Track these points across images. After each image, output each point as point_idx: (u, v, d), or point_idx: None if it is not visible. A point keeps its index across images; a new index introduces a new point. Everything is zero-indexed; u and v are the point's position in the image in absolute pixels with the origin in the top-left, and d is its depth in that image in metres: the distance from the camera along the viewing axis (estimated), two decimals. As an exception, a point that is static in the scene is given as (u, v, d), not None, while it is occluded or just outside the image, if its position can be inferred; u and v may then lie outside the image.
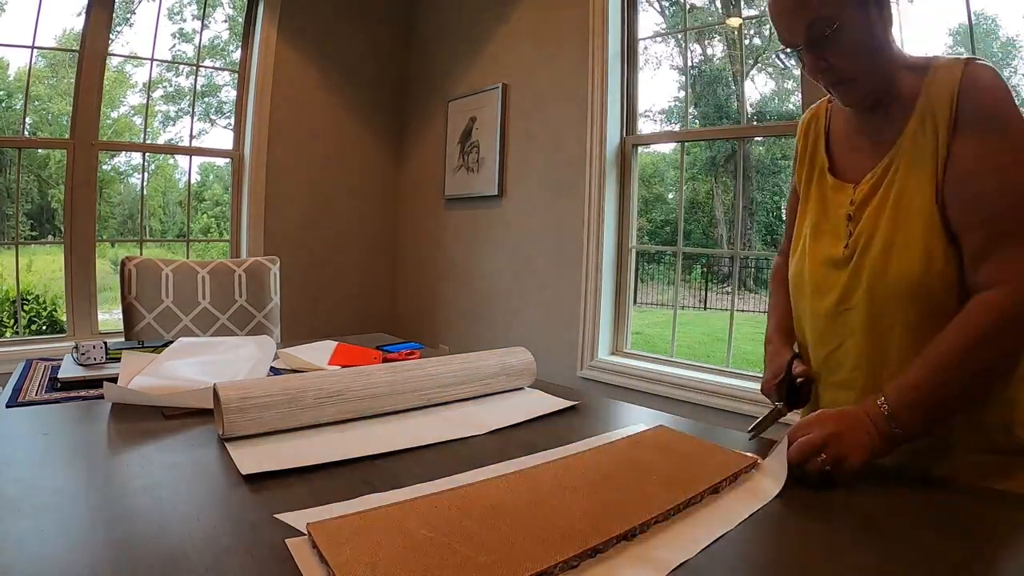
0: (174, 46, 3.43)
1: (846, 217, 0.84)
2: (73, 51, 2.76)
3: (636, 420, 0.89)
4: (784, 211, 1.05)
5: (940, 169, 0.75)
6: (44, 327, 3.23)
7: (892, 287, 0.77)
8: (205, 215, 4.34)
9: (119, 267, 1.71)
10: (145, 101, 3.10)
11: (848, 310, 0.82)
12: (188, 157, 3.27)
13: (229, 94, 3.35)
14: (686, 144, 2.67)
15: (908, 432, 0.68)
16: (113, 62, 3.01)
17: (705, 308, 8.74)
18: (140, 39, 3.06)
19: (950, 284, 0.74)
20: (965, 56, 0.76)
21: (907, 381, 0.70)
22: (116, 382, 0.91)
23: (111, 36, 2.81)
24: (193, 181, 3.54)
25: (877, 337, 0.79)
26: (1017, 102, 0.74)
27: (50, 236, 3.55)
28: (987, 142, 0.72)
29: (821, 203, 0.90)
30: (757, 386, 2.08)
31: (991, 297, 0.70)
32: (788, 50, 0.82)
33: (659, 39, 2.93)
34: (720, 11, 2.71)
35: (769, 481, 0.65)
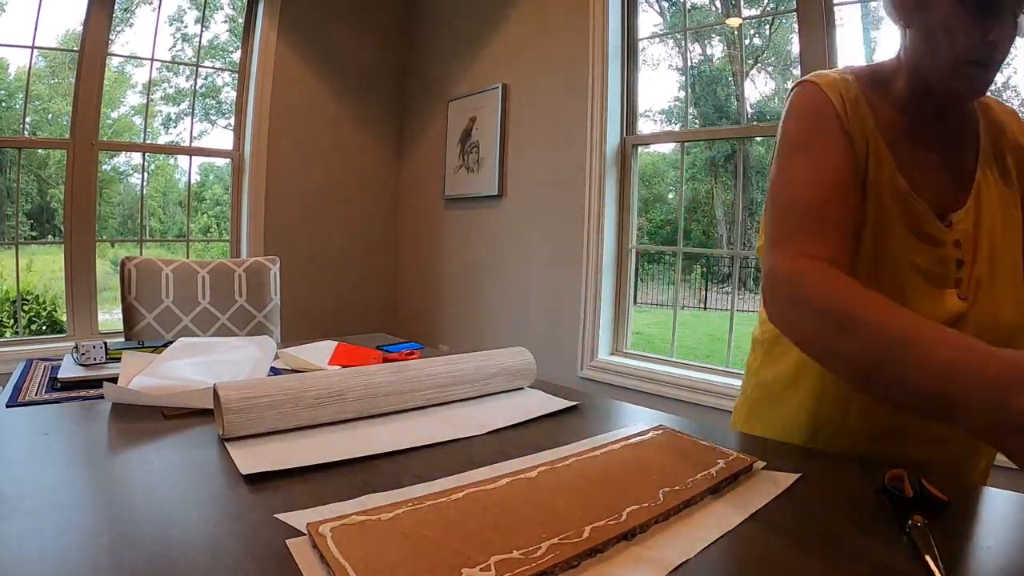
0: (174, 46, 3.43)
1: (955, 261, 0.70)
2: (73, 51, 2.76)
3: (636, 420, 0.89)
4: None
5: None
6: (44, 327, 3.23)
7: (1001, 339, 0.65)
8: (205, 215, 4.34)
9: (119, 267, 1.71)
10: (145, 101, 3.10)
11: None
12: (188, 157, 3.28)
13: (229, 94, 3.35)
14: (686, 144, 2.67)
15: None
16: (113, 62, 3.01)
17: (705, 308, 8.75)
18: (140, 39, 3.06)
19: None
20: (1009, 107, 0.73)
21: None
22: (116, 382, 0.91)
23: (111, 36, 2.81)
24: (193, 181, 3.54)
25: None
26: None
27: (50, 236, 3.55)
28: None
29: (908, 230, 0.69)
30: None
31: None
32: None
33: (658, 39, 2.92)
34: (719, 11, 2.71)
35: (770, 481, 0.65)
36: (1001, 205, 0.71)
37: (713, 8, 2.76)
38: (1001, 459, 1.70)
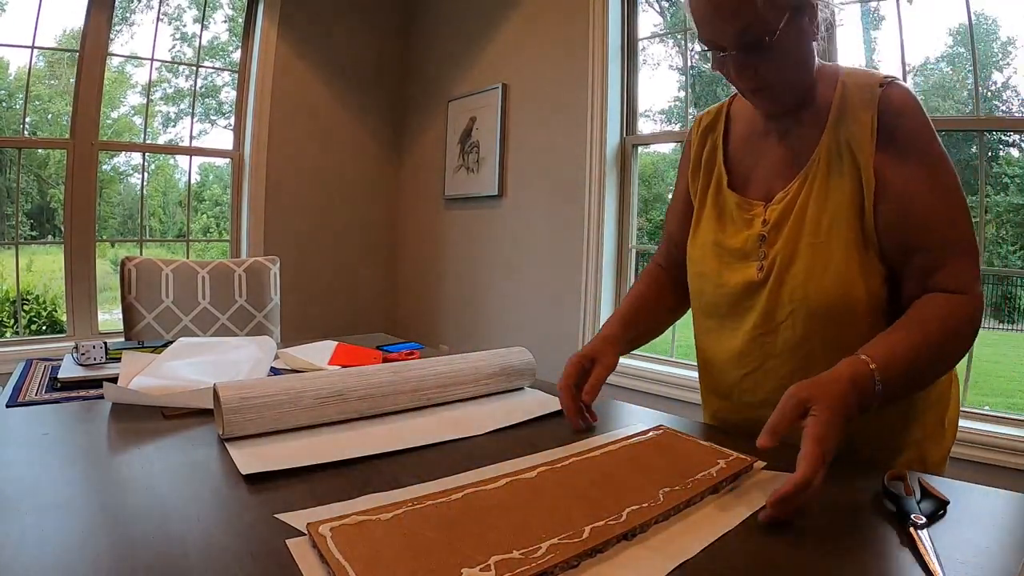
0: (174, 46, 3.43)
1: (758, 238, 0.82)
2: (73, 51, 2.76)
3: (636, 420, 0.89)
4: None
5: (868, 192, 0.74)
6: (44, 327, 3.23)
7: (816, 310, 0.76)
8: (205, 215, 4.34)
9: (119, 267, 1.71)
10: (145, 101, 3.10)
11: (768, 333, 0.81)
12: (188, 157, 3.28)
13: (229, 94, 3.35)
14: (686, 144, 2.67)
15: (887, 393, 0.64)
16: (113, 62, 3.01)
17: (705, 308, 8.72)
18: (140, 39, 3.06)
19: (874, 300, 0.75)
20: (880, 74, 0.76)
21: (891, 343, 0.67)
22: (116, 382, 0.91)
23: (111, 36, 2.81)
24: (193, 181, 3.54)
25: (802, 358, 0.79)
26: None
27: (50, 236, 3.55)
28: (923, 165, 0.73)
29: (719, 220, 0.88)
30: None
31: (955, 298, 0.71)
32: (708, 51, 0.79)
33: (658, 39, 2.92)
34: (720, 11, 2.71)
35: (770, 481, 0.65)
36: (831, 184, 0.76)
37: (713, 8, 2.76)
38: (995, 456, 1.69)
